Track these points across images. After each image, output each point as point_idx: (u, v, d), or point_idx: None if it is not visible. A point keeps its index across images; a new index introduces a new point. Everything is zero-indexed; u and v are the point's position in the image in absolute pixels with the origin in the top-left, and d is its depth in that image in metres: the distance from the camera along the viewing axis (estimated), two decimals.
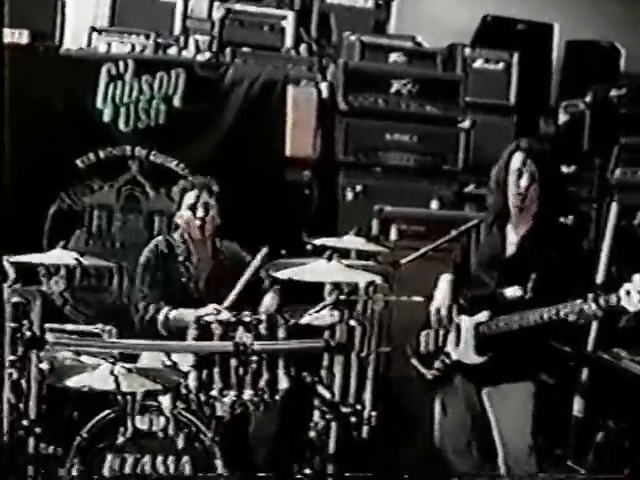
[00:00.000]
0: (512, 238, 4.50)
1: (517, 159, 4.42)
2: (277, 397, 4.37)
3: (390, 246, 5.06)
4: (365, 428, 4.37)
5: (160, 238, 5.23)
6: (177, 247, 5.15)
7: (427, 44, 7.04)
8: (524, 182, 4.40)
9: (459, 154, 6.20)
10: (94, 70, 5.69)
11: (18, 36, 5.76)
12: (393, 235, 5.50)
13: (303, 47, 6.90)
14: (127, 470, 4.29)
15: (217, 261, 5.15)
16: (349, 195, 5.92)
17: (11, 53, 5.56)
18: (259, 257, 4.79)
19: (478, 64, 6.95)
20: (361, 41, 6.52)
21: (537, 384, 4.46)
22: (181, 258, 5.13)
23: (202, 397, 4.34)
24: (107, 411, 4.34)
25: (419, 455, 4.95)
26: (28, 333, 4.10)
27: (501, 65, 6.99)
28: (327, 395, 4.42)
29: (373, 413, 4.34)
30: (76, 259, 4.41)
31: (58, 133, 5.60)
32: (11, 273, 4.29)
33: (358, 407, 4.33)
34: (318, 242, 4.52)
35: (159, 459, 4.33)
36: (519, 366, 4.39)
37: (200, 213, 5.09)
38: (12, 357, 4.21)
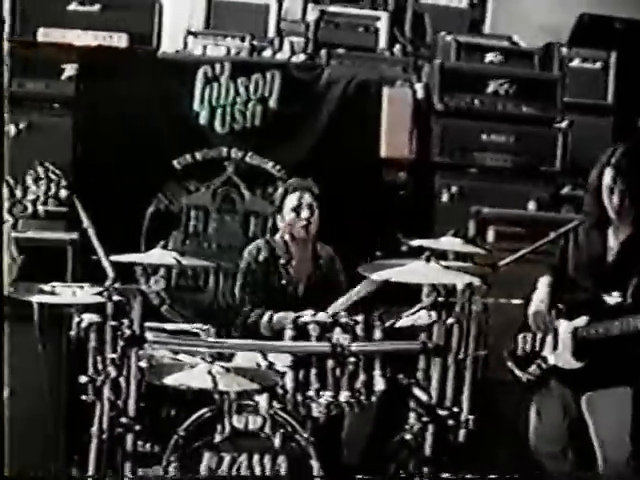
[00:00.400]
0: (612, 243, 4.44)
1: (608, 176, 4.37)
2: (373, 399, 4.37)
3: (487, 248, 5.01)
4: (462, 431, 4.34)
5: (260, 241, 5.26)
6: (278, 250, 5.18)
7: (522, 43, 6.96)
8: (616, 199, 4.35)
9: (556, 155, 6.11)
10: (191, 73, 5.76)
11: (117, 40, 5.84)
12: (490, 237, 5.45)
13: (397, 48, 6.88)
14: (224, 469, 4.33)
15: (316, 264, 5.17)
16: (445, 196, 5.88)
17: (110, 56, 5.77)
18: (366, 287, 4.78)
19: (575, 63, 6.84)
20: (457, 41, 6.47)
21: (636, 390, 4.38)
22: (282, 261, 5.16)
23: (298, 397, 4.36)
24: (204, 410, 4.39)
25: (514, 459, 4.90)
26: (128, 331, 4.15)
27: (598, 64, 6.87)
28: (424, 397, 4.40)
29: (470, 416, 4.30)
30: (175, 259, 4.45)
31: (155, 135, 5.68)
32: (110, 272, 4.36)
33: (455, 410, 4.30)
34: (415, 243, 4.49)
35: (255, 458, 4.36)
36: (618, 372, 4.32)
37: (305, 214, 5.10)
38: (112, 355, 4.29)
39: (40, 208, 3.43)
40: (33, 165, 3.40)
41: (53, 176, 3.40)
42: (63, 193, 3.40)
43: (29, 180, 3.38)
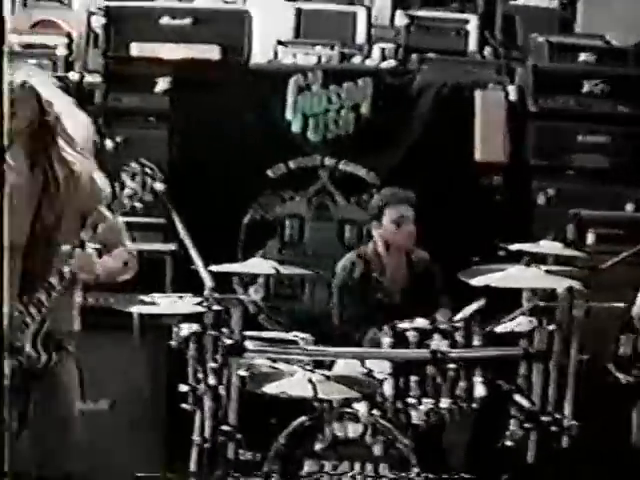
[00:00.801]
0: None
1: None
2: (474, 405, 4.33)
3: (587, 251, 4.93)
4: (565, 438, 4.28)
5: (352, 256, 5.25)
6: (371, 263, 5.16)
7: (615, 42, 6.84)
8: None
9: None
10: (283, 82, 5.79)
11: (209, 52, 5.90)
12: (590, 239, 5.36)
13: (488, 50, 6.81)
14: (325, 477, 4.33)
15: (411, 271, 5.15)
16: (541, 199, 5.80)
17: (203, 69, 5.83)
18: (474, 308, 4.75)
19: None
20: (549, 42, 6.38)
21: None
22: (375, 274, 5.14)
23: (398, 404, 4.34)
24: (304, 418, 4.40)
25: (617, 463, 4.81)
26: (228, 340, 4.19)
27: None
28: (525, 404, 4.35)
29: (573, 422, 4.24)
30: (275, 268, 4.47)
31: (249, 145, 5.72)
32: (209, 282, 4.41)
33: (558, 416, 4.24)
34: (514, 248, 4.44)
35: (357, 466, 4.35)
36: None
37: (407, 227, 5.08)
38: (212, 364, 4.33)
39: (137, 204, 3.49)
40: (128, 164, 3.48)
41: (148, 170, 3.46)
42: (159, 186, 3.45)
43: (125, 176, 3.46)
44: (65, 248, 3.50)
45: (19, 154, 3.61)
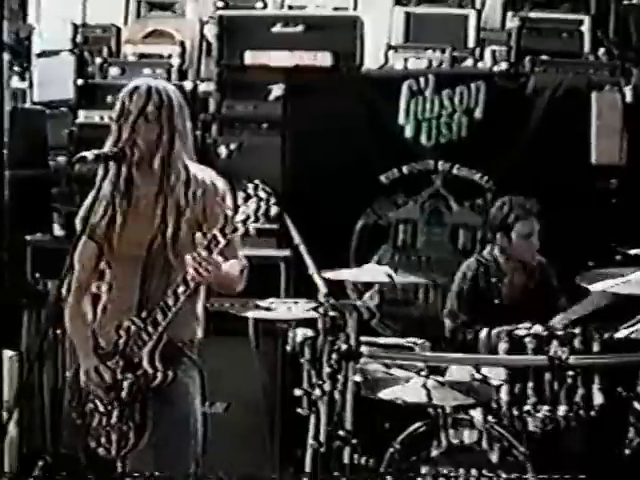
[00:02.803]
0: None
1: None
2: (592, 413, 4.27)
3: None
4: None
5: (472, 261, 5.24)
6: (490, 269, 5.13)
7: None
8: None
9: None
10: (395, 87, 5.78)
11: (321, 59, 5.94)
12: None
13: (602, 51, 6.70)
14: None
15: (529, 276, 5.10)
16: None
17: (315, 75, 5.88)
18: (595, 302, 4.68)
19: None
20: None
21: None
22: (494, 280, 5.11)
23: (514, 411, 4.31)
24: (419, 423, 4.39)
25: None
26: (344, 346, 4.20)
27: None
28: None
29: None
30: (389, 275, 4.47)
31: (362, 151, 5.74)
32: (323, 288, 4.43)
33: None
34: (632, 252, 4.36)
35: (473, 473, 4.33)
36: None
37: (536, 242, 5.04)
38: (328, 369, 4.35)
39: (251, 227, 3.48)
40: (243, 184, 3.46)
41: (263, 194, 3.43)
42: (273, 210, 3.44)
43: (239, 199, 3.44)
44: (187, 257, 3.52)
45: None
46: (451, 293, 5.17)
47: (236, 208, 3.40)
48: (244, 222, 3.41)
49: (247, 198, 3.40)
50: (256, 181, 3.42)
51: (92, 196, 3.63)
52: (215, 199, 3.64)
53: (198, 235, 3.49)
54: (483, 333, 4.88)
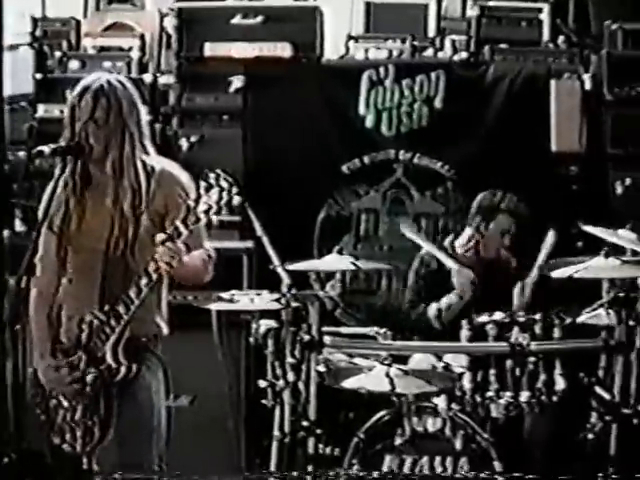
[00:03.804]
0: None
1: None
2: (554, 398, 4.30)
3: None
4: None
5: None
6: (457, 256, 5.13)
7: None
8: None
9: None
10: (355, 77, 5.79)
11: (281, 50, 5.93)
12: None
13: (561, 39, 6.73)
14: (405, 471, 4.33)
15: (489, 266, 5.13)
16: (619, 189, 5.73)
17: (275, 67, 5.87)
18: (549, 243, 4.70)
19: None
20: (623, 29, 6.28)
21: None
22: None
23: (477, 398, 4.33)
24: (383, 412, 4.41)
25: None
26: (307, 336, 4.21)
27: None
28: (606, 396, 4.31)
29: None
30: (353, 263, 4.48)
31: (323, 141, 5.74)
32: (287, 279, 4.44)
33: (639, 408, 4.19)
34: (592, 230, 4.38)
35: (437, 460, 4.35)
36: None
37: (507, 242, 5.04)
38: (291, 360, 4.36)
39: (213, 218, 3.47)
40: (204, 174, 3.44)
41: (225, 184, 3.42)
42: (236, 200, 3.42)
43: (201, 190, 3.42)
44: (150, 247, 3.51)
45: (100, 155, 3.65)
46: (411, 273, 5.17)
47: (198, 198, 3.40)
48: (206, 212, 3.40)
49: (209, 188, 3.39)
50: (218, 171, 3.41)
51: (51, 188, 3.63)
52: (177, 191, 3.63)
53: (159, 235, 3.48)
54: (433, 308, 4.91)
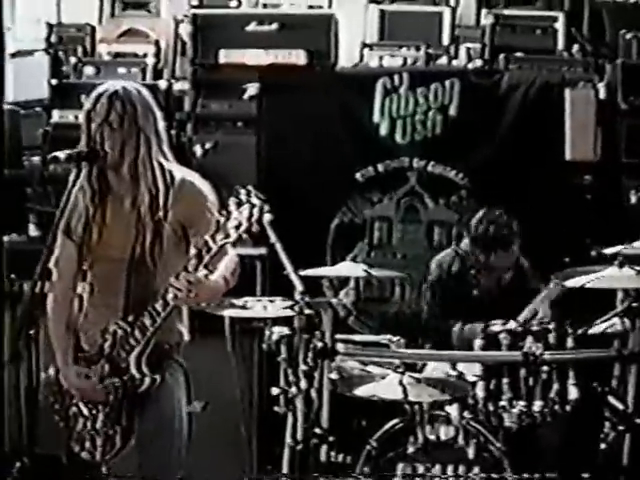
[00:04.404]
0: None
1: None
2: (567, 408, 4.29)
3: None
4: None
5: (449, 251, 5.25)
6: (468, 260, 5.14)
7: None
8: None
9: None
10: (369, 85, 5.78)
11: (295, 57, 5.94)
12: None
13: (576, 48, 6.74)
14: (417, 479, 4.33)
15: (506, 272, 5.11)
16: (633, 198, 5.72)
17: (290, 74, 5.88)
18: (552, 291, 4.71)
19: None
20: (638, 38, 6.29)
21: None
22: (473, 272, 5.12)
23: (490, 407, 4.32)
24: (395, 420, 4.40)
25: None
26: (320, 344, 4.21)
27: None
28: (619, 406, 4.29)
29: None
30: (366, 271, 4.48)
31: (337, 149, 5.74)
32: (300, 286, 4.43)
33: None
34: (609, 251, 4.38)
35: (449, 469, 4.34)
36: None
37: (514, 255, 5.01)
38: (304, 367, 4.36)
39: (243, 234, 3.42)
40: (235, 191, 3.41)
41: (256, 200, 3.38)
42: (267, 218, 3.39)
43: (231, 206, 3.38)
44: (169, 273, 3.49)
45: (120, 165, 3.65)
46: (428, 282, 5.18)
47: (228, 214, 3.36)
48: (237, 228, 3.36)
49: (239, 204, 3.36)
50: (249, 187, 3.38)
51: (66, 196, 3.63)
52: (199, 201, 3.61)
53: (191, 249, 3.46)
54: (457, 327, 4.92)
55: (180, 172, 3.69)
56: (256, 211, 3.34)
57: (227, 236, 3.37)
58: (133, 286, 3.59)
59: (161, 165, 3.66)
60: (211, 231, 3.39)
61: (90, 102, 3.64)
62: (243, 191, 3.36)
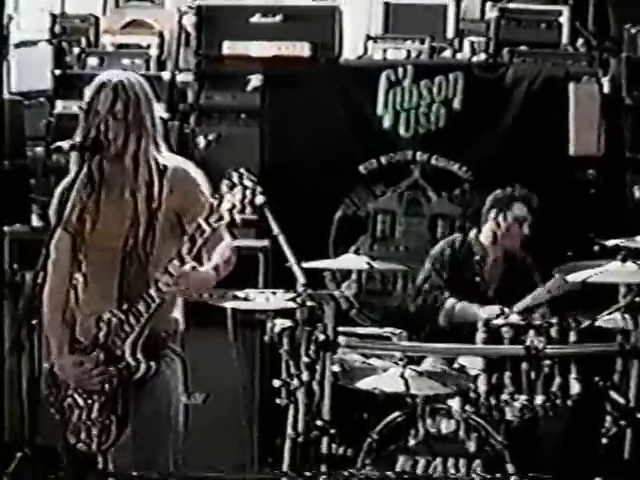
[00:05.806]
0: None
1: None
2: (569, 402, 4.29)
3: None
4: None
5: (457, 235, 5.29)
6: (474, 246, 5.15)
7: None
8: None
9: None
10: (373, 78, 5.80)
11: (300, 49, 5.93)
12: None
13: (580, 42, 6.71)
14: (418, 472, 4.33)
15: (510, 264, 5.12)
16: (637, 193, 5.71)
17: (293, 66, 5.87)
18: (555, 286, 4.71)
19: None
20: None
21: None
22: (477, 257, 5.13)
23: (492, 401, 4.32)
24: (397, 413, 4.40)
25: None
26: (322, 336, 4.21)
27: None
28: (621, 401, 4.29)
29: None
30: (369, 263, 4.48)
31: (341, 141, 5.74)
32: (302, 278, 4.43)
33: None
34: (610, 243, 4.37)
35: (450, 462, 4.34)
36: None
37: (526, 229, 5.06)
38: (306, 359, 4.35)
39: (237, 217, 3.44)
40: (227, 173, 3.42)
41: (248, 183, 3.39)
42: (259, 200, 3.40)
43: (224, 188, 3.39)
44: (163, 261, 3.50)
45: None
46: (429, 257, 5.19)
47: (221, 197, 3.37)
48: (230, 211, 3.37)
49: (232, 187, 3.36)
50: (241, 170, 3.38)
51: (62, 187, 3.63)
52: (192, 188, 3.62)
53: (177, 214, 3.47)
54: (448, 303, 4.91)
55: (173, 162, 3.69)
56: (249, 193, 3.35)
57: (220, 218, 3.38)
58: (127, 275, 3.59)
59: (155, 158, 3.66)
60: (204, 214, 3.40)
61: (92, 92, 3.63)
62: (235, 174, 3.36)
